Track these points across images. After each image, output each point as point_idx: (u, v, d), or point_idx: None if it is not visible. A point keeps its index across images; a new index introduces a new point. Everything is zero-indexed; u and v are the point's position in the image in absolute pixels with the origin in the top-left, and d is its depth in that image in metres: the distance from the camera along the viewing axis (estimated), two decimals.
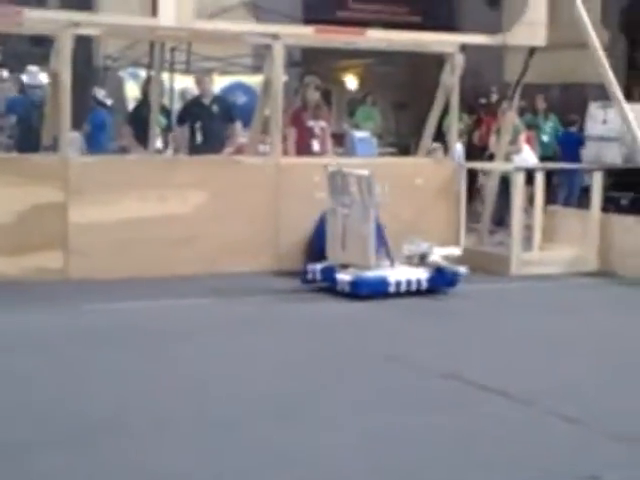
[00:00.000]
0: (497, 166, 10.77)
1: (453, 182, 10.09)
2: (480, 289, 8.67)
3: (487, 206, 10.62)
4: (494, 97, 14.97)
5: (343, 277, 8.05)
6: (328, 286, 8.12)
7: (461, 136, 13.09)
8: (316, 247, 9.22)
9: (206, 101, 10.74)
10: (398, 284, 8.05)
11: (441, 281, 8.29)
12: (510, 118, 10.92)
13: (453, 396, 5.38)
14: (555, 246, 10.02)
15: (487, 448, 4.53)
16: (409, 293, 8.02)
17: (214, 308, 7.45)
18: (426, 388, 5.52)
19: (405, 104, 18.18)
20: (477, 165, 11.43)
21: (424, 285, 8.16)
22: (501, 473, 4.22)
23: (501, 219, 11.07)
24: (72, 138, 9.36)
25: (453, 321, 7.38)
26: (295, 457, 4.34)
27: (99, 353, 6.08)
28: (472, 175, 10.85)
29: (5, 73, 13.16)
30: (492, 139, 12.84)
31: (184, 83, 14.02)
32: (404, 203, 9.63)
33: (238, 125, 10.83)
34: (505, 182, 10.43)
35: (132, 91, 14.58)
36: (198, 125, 10.60)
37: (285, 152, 9.94)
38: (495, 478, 4.16)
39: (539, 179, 9.79)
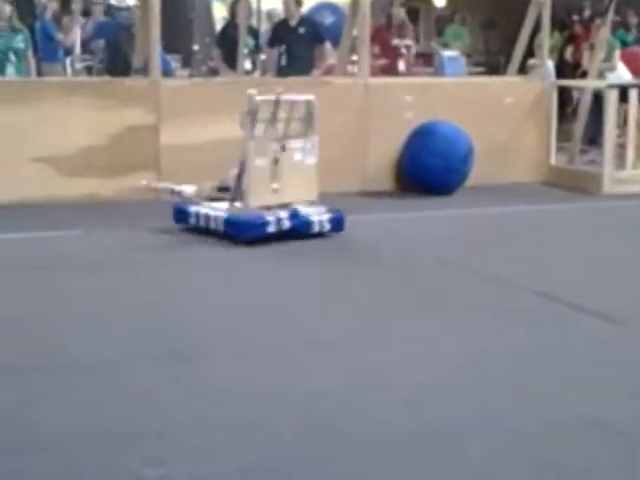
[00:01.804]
0: (590, 83, 10.56)
1: (544, 101, 9.93)
2: (572, 208, 8.58)
3: (579, 124, 10.43)
4: (587, 12, 14.61)
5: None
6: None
7: (552, 53, 12.83)
8: (405, 168, 9.22)
9: (292, 23, 10.66)
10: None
11: None
12: (604, 34, 10.66)
13: (547, 315, 5.36)
14: None
15: (581, 368, 4.52)
16: None
17: None
18: (520, 307, 5.51)
19: (494, 22, 17.80)
20: (569, 83, 11.21)
21: None
22: (596, 393, 4.21)
23: (593, 138, 10.89)
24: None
25: (545, 240, 7.31)
26: (393, 378, 4.39)
27: (191, 270, 6.18)
28: (565, 93, 10.67)
29: None
30: (585, 56, 12.56)
31: (271, 3, 13.96)
32: (494, 123, 9.55)
33: (327, 46, 10.72)
34: (598, 100, 10.23)
35: (220, 12, 14.58)
36: (284, 48, 10.55)
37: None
38: (590, 398, 4.15)
39: (633, 96, 9.58)
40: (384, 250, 6.84)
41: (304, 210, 7.12)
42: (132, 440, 3.63)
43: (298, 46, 10.50)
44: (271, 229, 6.88)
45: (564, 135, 10.61)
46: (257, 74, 11.80)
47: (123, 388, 4.17)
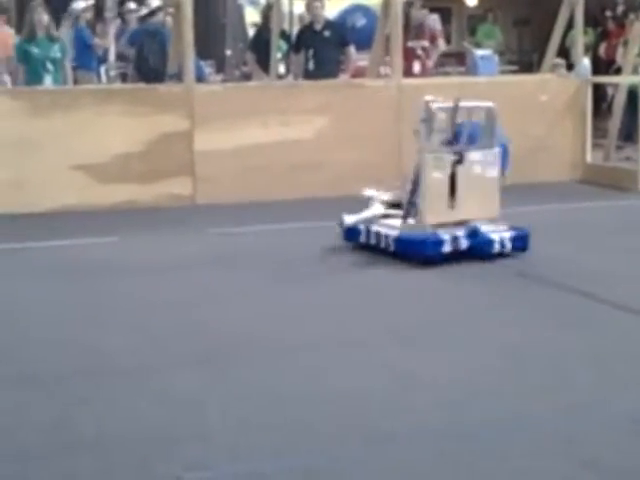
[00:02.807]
0: (624, 79, 10.49)
1: (578, 98, 9.88)
2: (609, 205, 8.53)
3: (614, 121, 10.36)
4: (620, 8, 14.51)
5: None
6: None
7: (586, 50, 12.76)
8: None
9: (318, 27, 10.65)
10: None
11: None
12: (638, 29, 10.59)
13: (588, 314, 5.34)
14: None
15: (623, 368, 4.49)
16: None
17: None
18: (560, 305, 5.49)
19: (527, 20, 17.72)
20: (604, 79, 11.15)
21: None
22: (634, 393, 4.19)
23: (629, 134, 10.81)
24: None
25: (583, 238, 7.26)
26: (425, 380, 4.40)
27: (227, 275, 6.22)
28: (599, 90, 10.61)
29: (132, 4, 13.32)
30: (619, 52, 12.48)
31: (303, 7, 13.98)
32: (529, 120, 9.51)
33: (351, 49, 10.71)
34: (633, 96, 10.16)
35: (251, 17, 14.64)
36: (311, 52, 10.56)
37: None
38: (632, 398, 4.13)
39: None
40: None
41: (483, 228, 6.50)
42: (171, 443, 3.66)
43: (324, 50, 10.48)
44: (447, 248, 6.33)
45: (599, 132, 10.54)
46: (289, 78, 11.83)
47: (162, 392, 4.20)
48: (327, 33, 10.62)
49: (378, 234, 6.58)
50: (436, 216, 6.48)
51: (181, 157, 8.66)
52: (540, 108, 9.67)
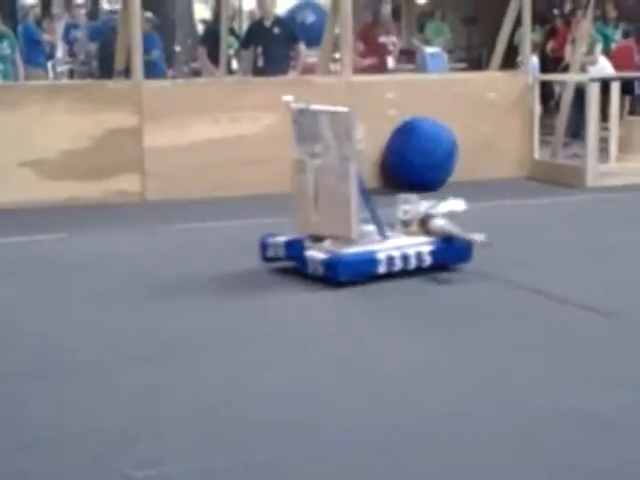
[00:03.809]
0: (572, 77, 10.60)
1: (526, 95, 9.96)
2: (556, 202, 8.61)
3: (561, 118, 10.47)
4: (568, 6, 14.67)
5: (314, 255, 5.85)
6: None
7: (534, 48, 12.88)
8: (390, 165, 9.24)
9: (267, 23, 10.64)
10: (390, 262, 5.85)
11: (450, 254, 6.09)
12: (585, 27, 10.71)
13: (535, 309, 5.38)
14: (632, 157, 9.88)
15: (571, 361, 4.53)
16: (405, 273, 5.90)
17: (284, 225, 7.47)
18: (506, 302, 5.53)
19: (475, 18, 17.86)
20: (551, 77, 11.26)
21: (427, 261, 5.98)
22: (585, 386, 4.23)
23: (576, 131, 10.93)
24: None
25: (530, 234, 7.33)
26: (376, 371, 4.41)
27: (174, 270, 6.18)
28: (547, 87, 10.71)
29: (80, 0, 13.22)
30: (567, 50, 12.62)
31: (252, 4, 13.98)
32: (478, 118, 9.58)
33: (302, 46, 10.73)
34: (580, 94, 10.27)
35: (201, 12, 14.59)
36: (260, 49, 10.55)
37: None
38: (580, 391, 4.17)
39: (614, 89, 9.63)
40: None
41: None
42: (122, 441, 3.64)
43: (274, 46, 10.48)
44: (270, 254, 6.13)
45: (547, 129, 10.65)
46: (238, 75, 11.81)
47: (112, 389, 4.17)
48: (277, 30, 10.62)
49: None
50: (301, 223, 6.15)
51: (130, 153, 8.61)
52: (488, 105, 9.74)
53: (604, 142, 9.83)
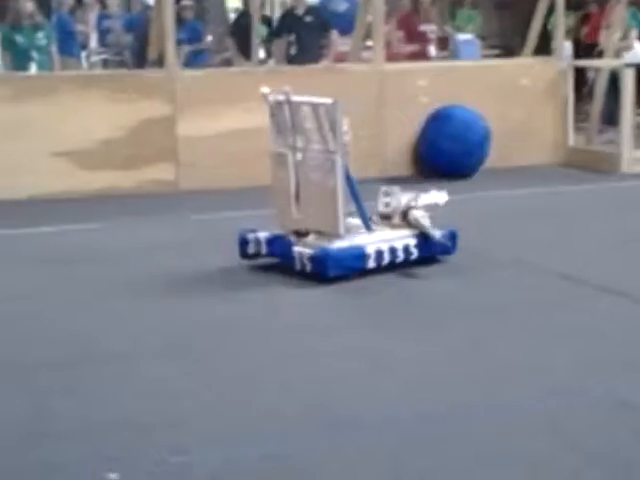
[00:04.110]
0: (606, 63, 10.51)
1: (560, 81, 9.90)
2: (591, 189, 8.56)
3: (596, 104, 10.39)
4: None
5: (302, 251, 5.69)
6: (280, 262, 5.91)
7: (568, 34, 12.77)
8: (423, 153, 9.22)
9: (300, 12, 10.65)
10: (379, 256, 5.75)
11: (435, 247, 5.99)
12: (620, 13, 10.61)
13: (571, 297, 5.37)
14: None
15: (607, 349, 4.51)
16: (393, 266, 5.82)
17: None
18: (543, 289, 5.51)
19: (507, 3, 17.71)
20: (585, 63, 11.16)
21: (414, 254, 5.90)
22: (622, 375, 4.21)
23: (611, 117, 10.84)
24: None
25: (564, 221, 7.30)
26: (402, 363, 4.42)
27: (207, 260, 6.20)
28: (581, 73, 10.63)
29: None
30: (602, 35, 12.49)
31: None
32: (511, 104, 9.54)
33: (334, 34, 10.72)
34: (615, 79, 10.18)
35: (232, 2, 14.60)
36: (293, 37, 10.55)
37: (391, 57, 9.84)
38: (616, 380, 4.15)
39: None
40: None
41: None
42: (150, 430, 3.67)
43: (306, 35, 10.49)
44: (251, 250, 5.99)
45: (581, 116, 10.57)
46: (271, 63, 11.81)
47: (144, 379, 4.21)
48: (309, 18, 10.62)
49: None
50: (281, 219, 5.98)
51: (164, 143, 8.65)
52: (521, 92, 9.69)
53: (639, 128, 9.75)
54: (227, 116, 8.77)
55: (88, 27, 12.99)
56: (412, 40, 10.63)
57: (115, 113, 8.49)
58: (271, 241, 5.90)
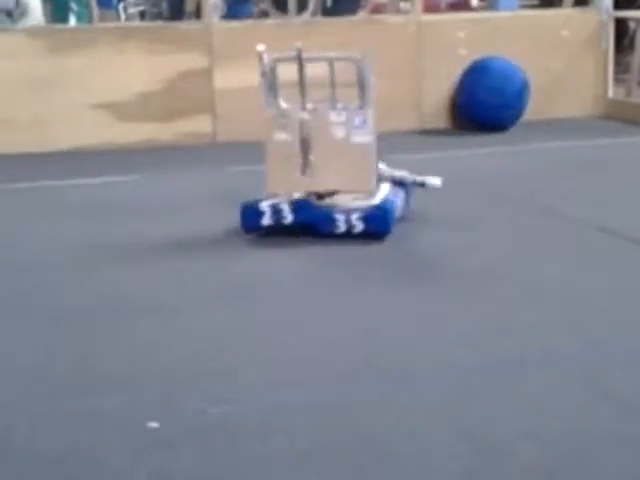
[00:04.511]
0: None
1: (600, 32, 9.78)
2: (630, 142, 8.49)
3: (637, 56, 10.26)
4: None
5: (347, 210, 5.50)
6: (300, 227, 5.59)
7: None
8: (460, 105, 9.17)
9: None
10: (399, 207, 5.80)
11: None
12: None
13: (608, 250, 5.35)
14: None
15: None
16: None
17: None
18: (579, 242, 5.50)
19: None
20: (626, 14, 11.00)
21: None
22: None
23: None
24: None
25: (603, 174, 7.25)
26: (451, 316, 4.45)
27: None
28: (621, 24, 10.49)
29: None
30: None
31: None
32: (550, 56, 9.44)
33: None
34: None
35: None
36: None
37: (430, 9, 9.77)
38: None
39: None
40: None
41: (330, 202, 5.62)
42: (194, 380, 3.72)
43: None
44: (266, 221, 5.58)
45: (621, 67, 10.45)
46: (306, 15, 11.74)
47: (184, 329, 4.26)
48: None
49: None
50: (282, 184, 5.65)
51: (201, 95, 8.67)
52: (561, 43, 9.59)
53: None
54: None
55: None
56: None
57: (152, 65, 8.51)
58: (298, 206, 5.59)
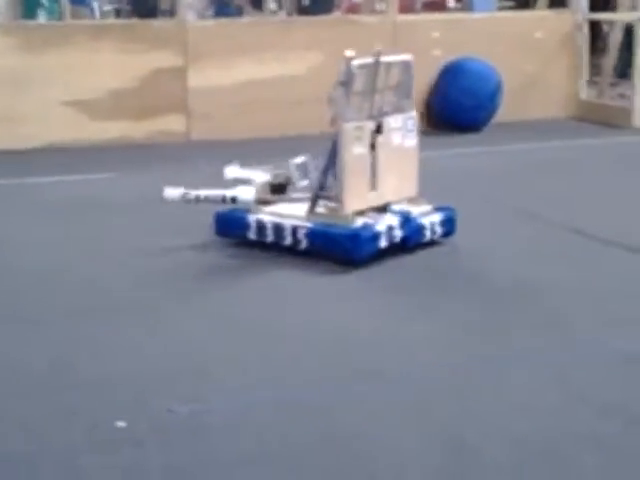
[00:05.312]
0: (621, 16, 10.42)
1: (574, 34, 9.83)
2: (602, 143, 8.54)
3: (609, 58, 10.32)
4: None
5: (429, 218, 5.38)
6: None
7: None
8: (435, 106, 9.19)
9: None
10: None
11: None
12: None
13: (579, 250, 5.39)
14: None
15: (614, 303, 4.55)
16: None
17: None
18: (551, 242, 5.53)
19: None
20: (600, 16, 11.06)
21: None
22: (628, 328, 4.24)
23: (624, 71, 10.77)
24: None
25: (575, 175, 7.29)
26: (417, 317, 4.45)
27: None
28: (595, 27, 10.55)
29: None
30: None
31: None
32: (524, 57, 9.49)
33: None
34: (629, 33, 10.10)
35: None
36: None
37: (405, 9, 9.79)
38: (623, 333, 4.18)
39: None
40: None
41: (413, 212, 5.36)
42: (165, 379, 3.72)
43: None
44: (383, 243, 5.11)
45: (595, 69, 10.51)
46: (282, 14, 11.74)
47: (153, 328, 4.26)
48: None
49: (278, 227, 5.21)
50: (358, 201, 5.19)
51: (175, 93, 8.64)
52: (535, 44, 9.63)
53: None
54: (238, 67, 8.75)
55: None
56: None
57: (126, 63, 8.47)
58: (404, 221, 5.21)
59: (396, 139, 5.37)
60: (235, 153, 7.94)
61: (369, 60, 5.22)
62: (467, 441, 3.20)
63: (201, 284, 4.86)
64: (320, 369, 3.81)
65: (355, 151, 5.14)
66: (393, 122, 5.36)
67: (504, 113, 9.16)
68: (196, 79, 8.66)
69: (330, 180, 5.15)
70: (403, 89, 5.44)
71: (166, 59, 8.60)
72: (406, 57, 5.49)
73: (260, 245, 5.31)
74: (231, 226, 5.40)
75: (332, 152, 5.12)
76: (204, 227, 5.67)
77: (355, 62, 5.11)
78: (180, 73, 8.65)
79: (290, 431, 3.29)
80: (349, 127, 5.11)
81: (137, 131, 8.51)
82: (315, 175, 5.27)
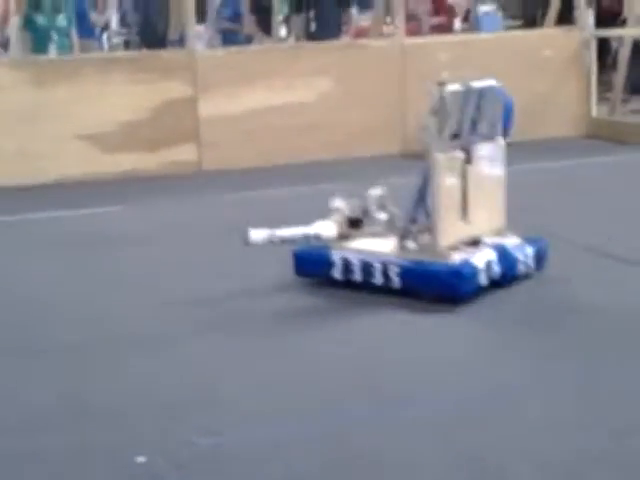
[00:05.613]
0: (630, 32, 10.41)
1: (583, 52, 9.82)
2: (614, 160, 8.50)
3: (619, 74, 10.30)
4: None
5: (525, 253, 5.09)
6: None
7: (590, 3, 12.65)
8: None
9: None
10: None
11: None
12: None
13: (595, 268, 5.36)
14: None
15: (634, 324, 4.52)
16: None
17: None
18: (567, 261, 5.49)
19: None
20: (608, 33, 11.06)
21: None
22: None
23: (635, 87, 10.75)
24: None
25: (589, 193, 7.25)
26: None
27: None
28: (604, 43, 10.54)
29: None
30: (625, 3, 12.36)
31: None
32: (533, 76, 9.47)
33: (353, 10, 10.73)
34: (638, 49, 10.09)
35: None
36: (312, 13, 10.55)
37: (412, 32, 9.81)
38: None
39: None
40: None
41: (508, 245, 5.08)
42: (182, 410, 3.70)
43: (325, 10, 10.48)
44: (483, 280, 4.85)
45: (605, 86, 10.49)
46: (291, 40, 11.78)
47: (173, 360, 4.24)
48: None
49: (367, 265, 4.92)
50: (451, 235, 4.93)
51: (186, 124, 8.66)
52: (544, 63, 9.62)
53: None
54: (249, 95, 8.76)
55: (105, 16, 12.96)
56: (440, 12, 10.60)
57: (136, 95, 8.50)
58: (502, 256, 4.95)
59: (485, 168, 5.12)
60: (246, 182, 8.02)
61: (459, 86, 5.01)
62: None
63: (209, 316, 4.84)
64: (341, 395, 3.78)
65: (447, 182, 4.90)
66: (482, 151, 5.11)
67: (515, 133, 9.07)
68: (206, 108, 8.68)
69: (421, 213, 4.93)
70: (490, 116, 5.18)
71: (176, 89, 8.62)
72: (493, 82, 5.26)
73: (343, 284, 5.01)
74: (313, 265, 5.11)
75: (423, 184, 4.88)
76: (213, 256, 5.66)
77: (447, 89, 4.89)
78: (190, 103, 8.67)
79: (313, 460, 3.26)
80: (441, 158, 4.87)
81: (149, 162, 8.52)
82: (405, 208, 4.98)
